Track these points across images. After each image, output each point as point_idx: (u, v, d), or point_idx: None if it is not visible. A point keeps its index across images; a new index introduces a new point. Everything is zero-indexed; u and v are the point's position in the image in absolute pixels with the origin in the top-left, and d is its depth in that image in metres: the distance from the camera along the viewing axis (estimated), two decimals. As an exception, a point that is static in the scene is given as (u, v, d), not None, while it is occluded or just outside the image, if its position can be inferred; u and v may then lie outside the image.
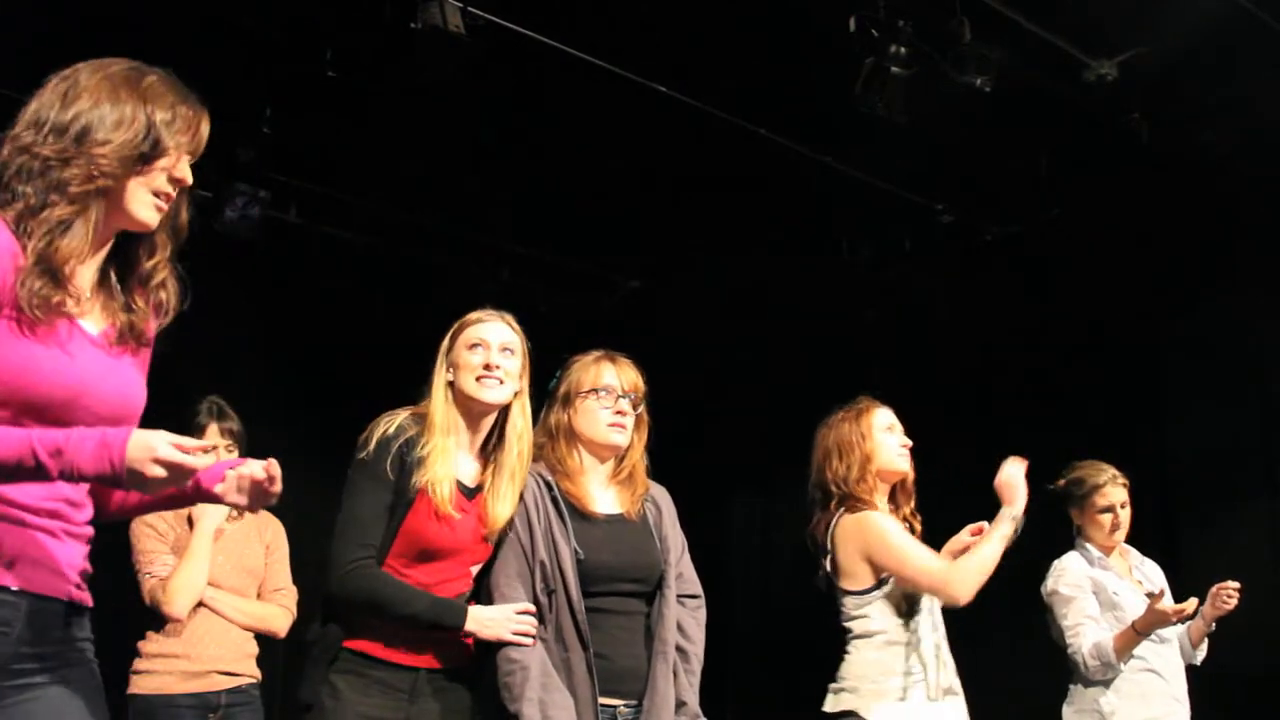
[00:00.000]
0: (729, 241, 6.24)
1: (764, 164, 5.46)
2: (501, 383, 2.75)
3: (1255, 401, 5.39)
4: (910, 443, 3.37)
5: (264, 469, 1.95)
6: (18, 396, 1.73)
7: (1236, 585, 3.91)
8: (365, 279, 6.11)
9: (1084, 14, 4.58)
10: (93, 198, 1.82)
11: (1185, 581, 4.12)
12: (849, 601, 3.25)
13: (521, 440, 2.80)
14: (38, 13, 4.25)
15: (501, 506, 2.75)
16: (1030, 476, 3.24)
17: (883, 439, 3.32)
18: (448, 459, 2.71)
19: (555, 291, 6.65)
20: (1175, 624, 3.80)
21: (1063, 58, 4.77)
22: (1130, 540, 4.09)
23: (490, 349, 2.77)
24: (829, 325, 6.68)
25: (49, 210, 1.78)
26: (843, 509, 3.27)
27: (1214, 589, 3.94)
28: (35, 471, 1.68)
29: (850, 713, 3.14)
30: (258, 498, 1.98)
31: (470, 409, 2.78)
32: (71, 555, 1.86)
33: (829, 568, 3.29)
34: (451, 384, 2.78)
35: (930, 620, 3.25)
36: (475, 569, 2.78)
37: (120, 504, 2.08)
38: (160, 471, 1.69)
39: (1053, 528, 4.14)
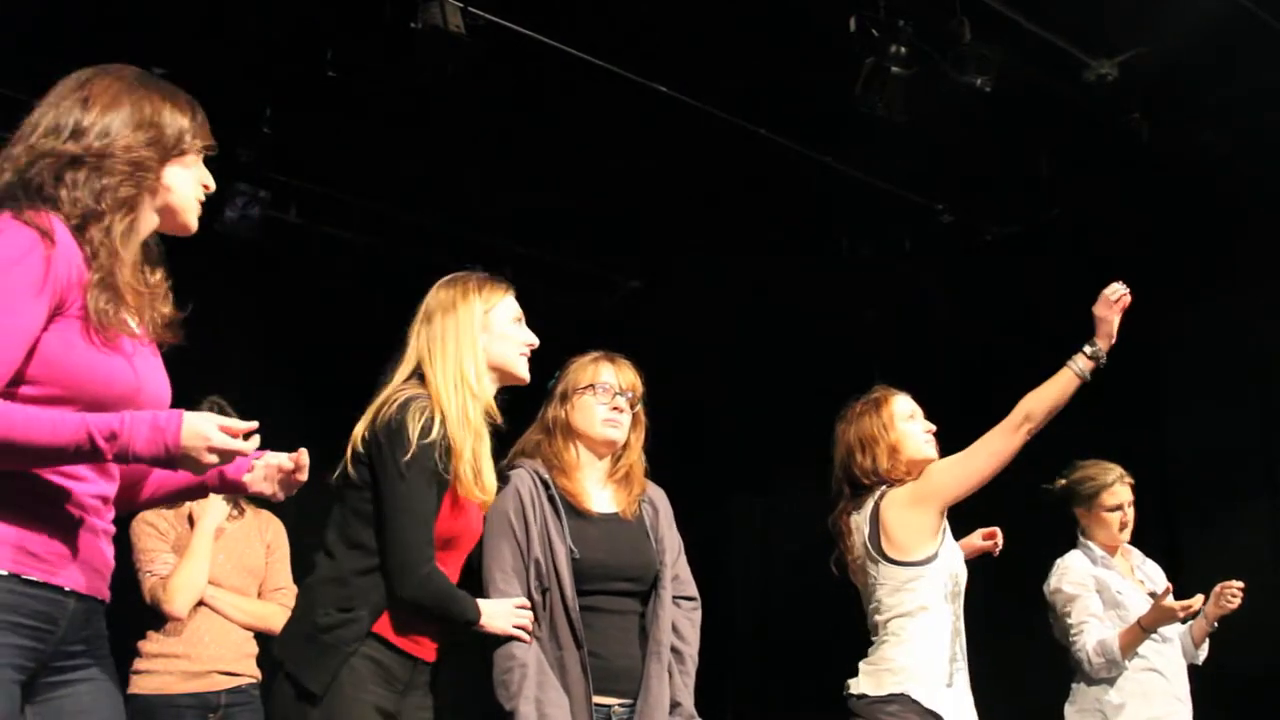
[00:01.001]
0: (729, 241, 6.23)
1: (764, 164, 5.46)
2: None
3: (1255, 401, 5.39)
4: (934, 427, 3.29)
5: (291, 459, 2.07)
6: (85, 394, 1.80)
7: (1240, 585, 3.91)
8: (365, 279, 6.10)
9: (1084, 14, 4.58)
10: (140, 200, 1.91)
11: (1186, 581, 4.12)
12: (898, 574, 3.10)
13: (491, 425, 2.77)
14: (38, 13, 4.25)
15: (491, 495, 2.74)
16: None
17: (906, 428, 3.24)
18: (473, 442, 2.66)
19: (555, 291, 6.64)
20: (1181, 621, 3.79)
21: (1063, 58, 4.77)
22: (1131, 540, 4.09)
23: (523, 323, 2.78)
24: (829, 325, 6.68)
25: (106, 218, 1.85)
26: (886, 486, 3.18)
27: (1218, 588, 3.92)
28: (91, 454, 1.75)
29: (900, 695, 3.00)
30: (284, 486, 2.10)
31: (505, 378, 2.75)
32: (108, 555, 1.92)
33: (872, 544, 3.15)
34: None
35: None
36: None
37: (152, 494, 2.16)
38: (214, 458, 1.79)
39: (1053, 526, 4.14)
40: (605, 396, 2.90)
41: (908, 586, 3.10)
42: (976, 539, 3.48)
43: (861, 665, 3.13)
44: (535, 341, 2.77)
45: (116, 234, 1.85)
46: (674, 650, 2.85)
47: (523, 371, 2.75)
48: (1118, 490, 3.98)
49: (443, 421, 2.60)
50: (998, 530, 3.46)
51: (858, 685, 3.09)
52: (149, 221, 1.96)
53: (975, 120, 4.94)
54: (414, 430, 2.56)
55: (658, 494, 3.02)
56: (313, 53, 4.62)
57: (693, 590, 2.97)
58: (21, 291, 1.74)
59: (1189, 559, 5.15)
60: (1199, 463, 5.47)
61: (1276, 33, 4.49)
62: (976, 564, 3.52)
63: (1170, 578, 4.07)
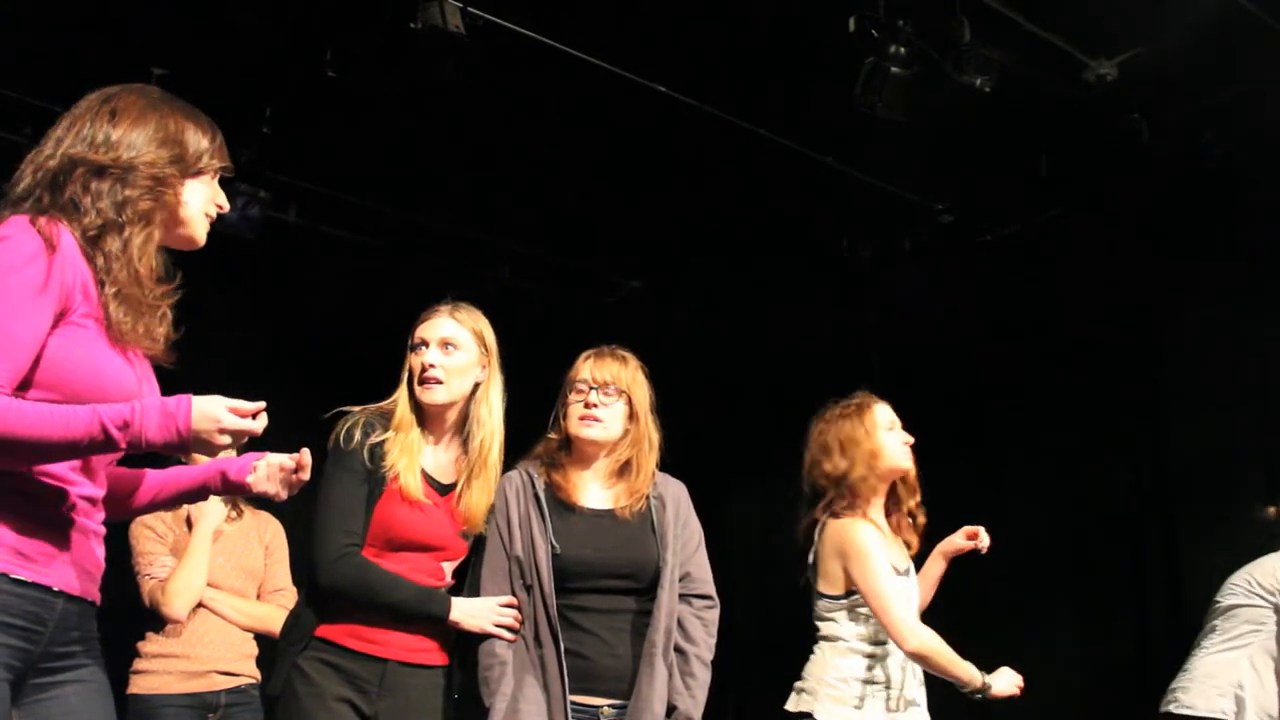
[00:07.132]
0: (729, 241, 6.23)
1: (764, 164, 5.46)
2: (441, 382, 2.74)
3: (1255, 403, 5.38)
4: (911, 439, 3.33)
5: (293, 459, 2.11)
6: (90, 398, 1.82)
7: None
8: (365, 279, 6.10)
9: (1084, 14, 4.57)
10: (157, 214, 1.95)
11: (1186, 585, 4.11)
12: (821, 604, 3.25)
13: (484, 430, 2.78)
14: (37, 12, 4.25)
15: (472, 498, 2.75)
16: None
17: (885, 438, 3.27)
18: (410, 449, 2.71)
19: (555, 291, 6.64)
20: None
21: (1063, 58, 4.76)
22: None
23: (430, 347, 2.76)
24: (829, 325, 6.67)
25: (126, 230, 1.89)
26: (829, 512, 3.25)
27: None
28: (105, 445, 1.78)
29: (806, 714, 3.14)
30: (287, 486, 2.14)
31: (422, 408, 2.78)
32: (98, 556, 1.93)
33: (810, 567, 3.28)
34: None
35: None
36: (449, 565, 2.79)
37: (152, 499, 2.17)
38: (226, 440, 1.82)
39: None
40: (580, 395, 2.91)
41: (830, 615, 3.23)
42: (959, 539, 3.45)
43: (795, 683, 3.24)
44: (420, 364, 2.76)
45: (135, 246, 1.90)
46: (679, 650, 2.82)
47: (421, 398, 2.75)
48: None
49: (367, 426, 2.70)
50: (980, 530, 3.43)
51: (787, 702, 3.21)
52: (162, 235, 2.00)
53: (975, 120, 4.93)
54: (343, 433, 2.70)
55: (672, 488, 2.98)
56: (313, 53, 4.62)
57: (708, 589, 2.93)
58: (26, 297, 1.77)
59: (1189, 559, 5.14)
60: (1199, 463, 5.46)
61: (1276, 33, 4.49)
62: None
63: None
